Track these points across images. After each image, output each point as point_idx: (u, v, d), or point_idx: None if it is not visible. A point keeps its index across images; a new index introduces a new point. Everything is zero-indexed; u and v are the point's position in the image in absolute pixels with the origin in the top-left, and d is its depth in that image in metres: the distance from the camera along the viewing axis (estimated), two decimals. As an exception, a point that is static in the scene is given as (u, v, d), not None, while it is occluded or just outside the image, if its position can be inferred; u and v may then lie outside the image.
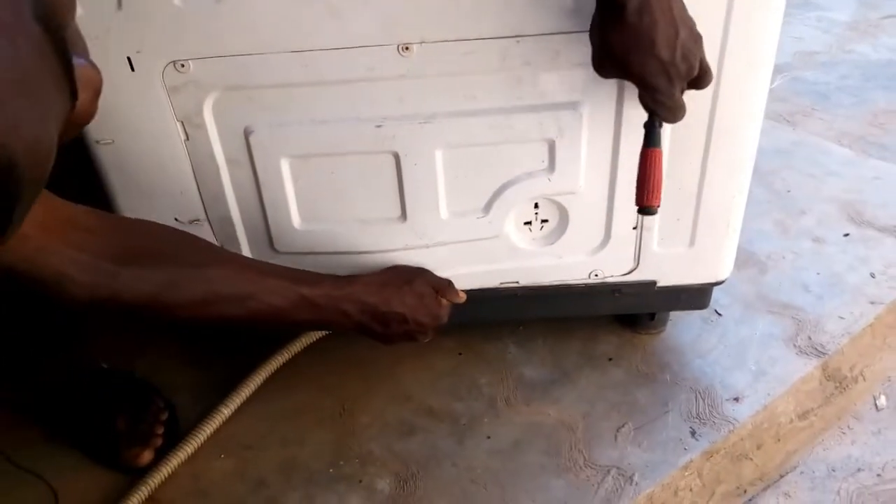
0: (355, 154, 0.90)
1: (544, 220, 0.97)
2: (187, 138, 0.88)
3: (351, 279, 0.90)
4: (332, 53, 0.82)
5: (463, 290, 1.00)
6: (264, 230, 0.96)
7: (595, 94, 0.86)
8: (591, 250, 1.00)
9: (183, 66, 0.83)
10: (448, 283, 0.97)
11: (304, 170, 0.91)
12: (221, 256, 0.85)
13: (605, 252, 1.00)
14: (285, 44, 0.82)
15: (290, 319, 0.89)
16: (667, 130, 0.91)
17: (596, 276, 1.02)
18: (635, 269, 1.03)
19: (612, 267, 1.02)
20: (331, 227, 0.96)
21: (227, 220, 0.95)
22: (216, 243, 0.97)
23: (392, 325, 0.91)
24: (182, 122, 0.87)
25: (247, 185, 0.92)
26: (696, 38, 0.75)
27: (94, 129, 0.88)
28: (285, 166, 0.91)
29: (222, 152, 0.90)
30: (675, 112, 0.78)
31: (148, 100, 0.86)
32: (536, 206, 0.96)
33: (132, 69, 0.84)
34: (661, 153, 0.82)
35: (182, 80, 0.84)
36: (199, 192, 0.92)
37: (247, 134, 0.88)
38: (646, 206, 0.82)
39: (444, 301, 0.95)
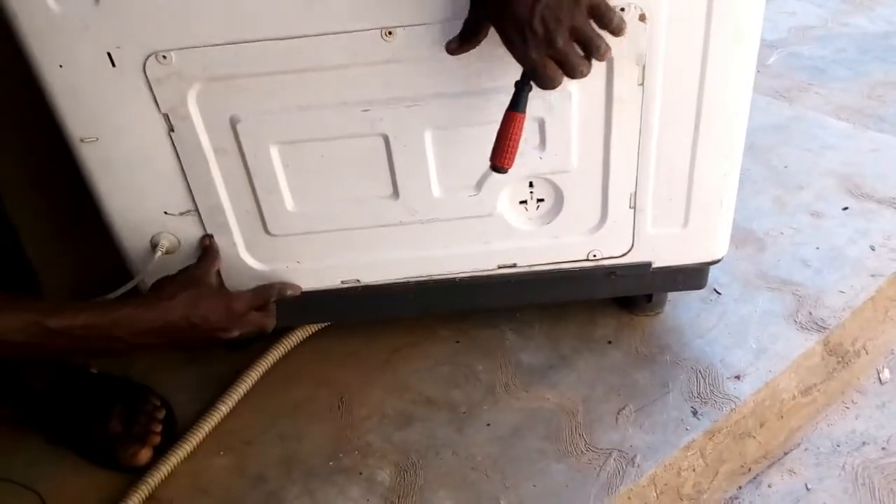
0: (344, 138, 0.90)
1: (540, 200, 0.97)
2: (172, 129, 0.88)
3: (120, 301, 0.85)
4: (316, 40, 0.82)
5: (461, 274, 0.97)
6: (257, 215, 0.96)
7: None
8: (588, 230, 0.99)
9: (165, 57, 0.82)
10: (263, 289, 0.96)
11: (294, 154, 0.92)
12: None
13: (603, 232, 0.99)
14: (267, 31, 0.82)
15: (47, 354, 0.82)
16: (657, 108, 0.89)
17: (594, 256, 1.01)
18: (630, 250, 1.02)
19: (610, 247, 1.01)
20: (324, 207, 0.96)
21: (218, 209, 0.95)
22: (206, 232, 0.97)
23: (184, 332, 0.86)
24: (167, 115, 0.87)
25: (236, 172, 0.93)
26: (573, 7, 0.71)
27: (78, 127, 0.87)
28: (275, 152, 0.91)
29: (209, 142, 0.90)
30: (540, 77, 0.75)
31: (130, 94, 0.85)
32: (531, 184, 0.95)
33: (113, 64, 0.83)
34: (521, 118, 0.80)
35: (165, 72, 0.84)
36: (188, 183, 0.92)
37: (233, 123, 0.88)
38: (496, 165, 0.81)
39: (242, 295, 0.92)
